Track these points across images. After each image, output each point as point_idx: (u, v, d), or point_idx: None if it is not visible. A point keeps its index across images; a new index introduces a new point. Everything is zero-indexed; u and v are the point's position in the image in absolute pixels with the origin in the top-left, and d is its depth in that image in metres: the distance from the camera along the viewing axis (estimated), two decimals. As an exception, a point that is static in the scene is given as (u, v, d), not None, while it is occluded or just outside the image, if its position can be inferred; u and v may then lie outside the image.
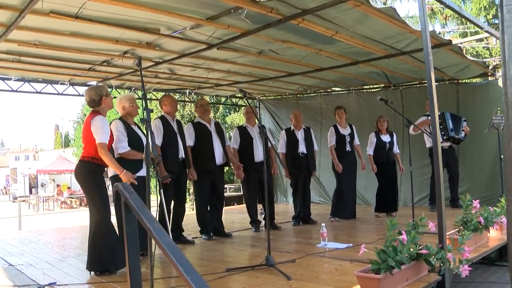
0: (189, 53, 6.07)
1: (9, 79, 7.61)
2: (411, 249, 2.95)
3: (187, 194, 14.23)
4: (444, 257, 3.14)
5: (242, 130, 6.51)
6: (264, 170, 4.33)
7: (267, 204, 4.56)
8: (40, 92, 8.03)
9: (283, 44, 5.64)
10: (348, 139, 6.96)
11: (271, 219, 6.55)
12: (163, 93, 10.16)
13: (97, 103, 4.15)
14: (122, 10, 4.41)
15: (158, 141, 5.35)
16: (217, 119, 18.78)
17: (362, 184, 8.79)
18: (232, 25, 4.88)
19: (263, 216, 6.62)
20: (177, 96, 10.67)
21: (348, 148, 6.95)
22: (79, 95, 8.59)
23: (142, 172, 4.65)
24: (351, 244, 4.77)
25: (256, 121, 6.50)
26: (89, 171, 4.06)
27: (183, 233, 5.67)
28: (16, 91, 7.74)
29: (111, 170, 4.56)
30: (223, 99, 11.16)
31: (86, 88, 5.94)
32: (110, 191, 4.46)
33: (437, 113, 3.68)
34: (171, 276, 3.92)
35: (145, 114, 2.96)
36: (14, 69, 7.01)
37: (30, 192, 28.47)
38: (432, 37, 5.48)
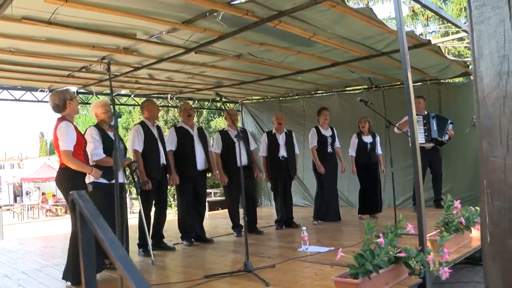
0: (167, 58, 6.00)
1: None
2: (390, 252, 2.91)
3: (170, 199, 14.16)
4: (423, 259, 3.10)
5: (224, 134, 6.43)
6: (241, 175, 4.23)
7: (245, 209, 4.47)
8: (19, 100, 7.92)
9: (261, 47, 5.59)
10: (329, 140, 6.94)
11: (253, 224, 6.50)
12: (145, 98, 10.10)
13: (62, 108, 4.04)
14: (97, 15, 4.33)
15: (139, 147, 5.27)
16: (201, 124, 18.64)
17: (346, 186, 8.78)
18: (209, 28, 4.82)
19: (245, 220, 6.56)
20: (159, 102, 10.61)
21: (329, 149, 6.92)
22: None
23: (120, 179, 4.56)
24: (332, 248, 4.72)
25: (239, 124, 6.44)
26: (68, 178, 3.96)
27: (163, 239, 5.57)
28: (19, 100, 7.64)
29: (90, 177, 4.47)
30: (206, 103, 11.09)
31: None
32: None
33: (414, 113, 3.66)
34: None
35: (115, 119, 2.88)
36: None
37: (15, 200, 28.05)
38: (410, 37, 5.49)
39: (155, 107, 5.62)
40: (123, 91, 9.26)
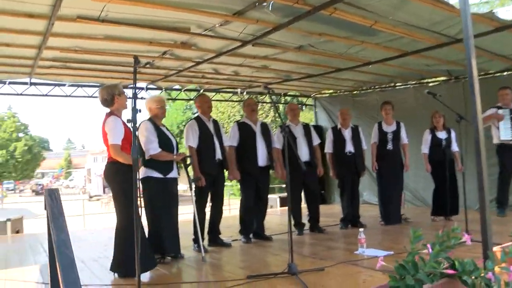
0: (226, 51, 5.92)
1: (63, 85, 7.94)
2: (436, 267, 2.53)
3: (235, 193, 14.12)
4: (483, 276, 2.66)
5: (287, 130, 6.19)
6: (285, 171, 4.04)
7: (290, 205, 4.24)
8: (92, 96, 8.31)
9: (320, 38, 5.32)
10: (390, 136, 6.49)
11: (315, 222, 6.26)
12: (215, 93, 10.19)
13: (110, 103, 4.06)
14: (149, 11, 4.35)
15: (194, 143, 5.25)
16: (277, 119, 18.32)
17: (422, 185, 8.20)
18: (261, 19, 4.66)
19: (308, 218, 6.34)
20: (228, 96, 10.65)
21: (389, 146, 6.48)
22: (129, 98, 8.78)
23: (173, 174, 4.61)
24: (392, 252, 4.35)
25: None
26: (117, 172, 3.98)
27: (220, 235, 5.52)
28: (69, 96, 8.06)
29: (145, 171, 4.52)
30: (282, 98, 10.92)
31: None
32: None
33: (479, 107, 3.21)
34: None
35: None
36: (65, 75, 7.28)
37: (104, 191, 29.86)
38: (490, 19, 4.90)
39: (205, 102, 5.53)
40: (177, 86, 9.31)
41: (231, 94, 10.41)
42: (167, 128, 4.85)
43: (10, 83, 7.81)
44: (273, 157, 5.87)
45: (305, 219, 6.30)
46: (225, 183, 5.90)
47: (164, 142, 4.60)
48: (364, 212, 7.32)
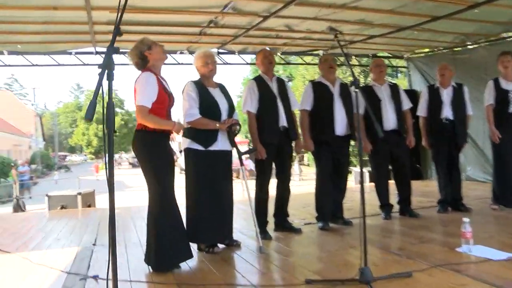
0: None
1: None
2: None
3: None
4: None
5: (368, 91, 5.06)
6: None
7: (361, 184, 3.15)
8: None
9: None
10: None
11: (406, 203, 5.17)
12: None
13: (144, 63, 3.34)
14: None
15: (252, 107, 4.37)
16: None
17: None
18: None
19: (397, 199, 5.26)
20: (309, 59, 9.58)
21: (511, 108, 5.05)
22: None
23: (219, 146, 3.76)
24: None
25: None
26: (146, 142, 3.29)
27: (288, 217, 4.65)
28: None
29: (184, 141, 3.77)
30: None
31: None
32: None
33: None
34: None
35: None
36: (125, 41, 6.76)
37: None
38: None
39: (265, 57, 4.54)
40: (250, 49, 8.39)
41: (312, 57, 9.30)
42: (222, 89, 4.00)
43: (76, 53, 7.53)
44: (354, 125, 4.81)
45: (393, 199, 5.21)
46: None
47: (208, 106, 3.76)
48: (469, 191, 6.02)
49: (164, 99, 3.29)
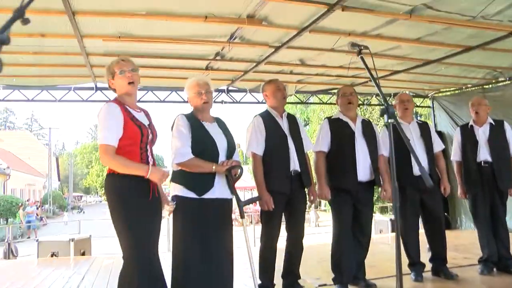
0: (309, 24, 4.38)
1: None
2: None
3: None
4: None
5: (393, 129, 4.33)
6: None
7: (397, 239, 2.43)
8: (164, 101, 7.41)
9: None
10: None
11: (441, 261, 4.35)
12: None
13: (114, 90, 2.80)
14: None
15: (258, 148, 3.69)
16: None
17: None
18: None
19: (429, 255, 4.45)
20: (326, 98, 8.94)
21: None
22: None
23: (216, 193, 3.01)
24: None
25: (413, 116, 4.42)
26: (113, 189, 2.63)
27: (299, 280, 3.88)
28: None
29: (174, 187, 3.07)
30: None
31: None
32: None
33: None
34: None
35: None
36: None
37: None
38: None
39: (279, 89, 3.88)
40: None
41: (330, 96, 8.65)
42: (220, 125, 3.33)
43: (75, 88, 7.07)
44: (379, 169, 4.10)
45: (424, 256, 4.41)
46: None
47: (203, 144, 3.07)
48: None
49: (135, 134, 2.61)
